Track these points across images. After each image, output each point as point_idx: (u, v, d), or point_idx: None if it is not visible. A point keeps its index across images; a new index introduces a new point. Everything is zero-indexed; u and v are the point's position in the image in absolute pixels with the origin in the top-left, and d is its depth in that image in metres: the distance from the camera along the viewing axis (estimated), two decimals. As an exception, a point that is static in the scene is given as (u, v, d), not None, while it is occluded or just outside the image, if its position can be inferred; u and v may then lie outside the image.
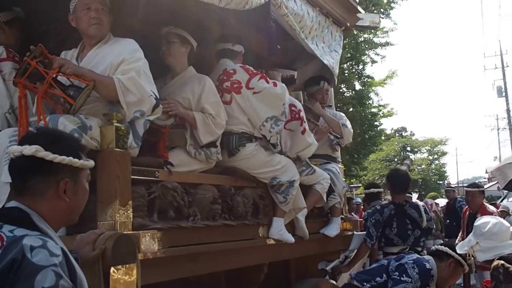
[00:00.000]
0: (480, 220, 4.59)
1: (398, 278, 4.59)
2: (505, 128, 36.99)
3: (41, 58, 3.14)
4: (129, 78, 3.26)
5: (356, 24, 6.13)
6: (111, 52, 3.43)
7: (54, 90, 3.13)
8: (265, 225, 4.48)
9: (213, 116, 3.97)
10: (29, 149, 1.97)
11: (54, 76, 3.12)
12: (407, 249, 5.65)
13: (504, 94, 35.36)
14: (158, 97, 3.44)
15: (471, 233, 4.57)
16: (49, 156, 1.98)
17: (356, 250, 5.97)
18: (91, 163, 2.18)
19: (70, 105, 3.09)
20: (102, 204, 3.00)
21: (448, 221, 12.07)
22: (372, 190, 8.31)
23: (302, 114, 4.86)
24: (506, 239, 4.23)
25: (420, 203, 6.19)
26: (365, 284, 4.77)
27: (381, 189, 8.70)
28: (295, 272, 5.57)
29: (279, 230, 4.51)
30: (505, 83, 35.88)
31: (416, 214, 5.77)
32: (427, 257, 4.91)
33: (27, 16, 4.26)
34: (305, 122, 4.85)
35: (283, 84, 4.68)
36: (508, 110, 34.47)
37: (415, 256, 4.93)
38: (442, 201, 15.56)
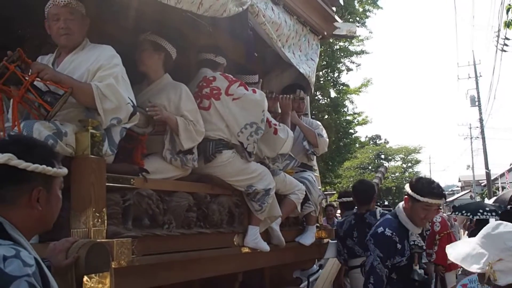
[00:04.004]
0: (500, 227, 2.69)
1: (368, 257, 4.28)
2: (478, 137, 37.48)
3: (18, 62, 3.10)
4: (107, 85, 3.23)
5: (333, 33, 6.15)
6: (88, 58, 3.40)
7: (30, 95, 3.10)
8: (240, 233, 4.48)
9: (193, 123, 3.97)
10: (1, 158, 1.94)
11: (31, 81, 3.08)
12: None
13: (477, 103, 35.81)
14: (135, 104, 3.42)
15: (486, 243, 2.68)
16: (22, 164, 1.95)
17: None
18: (64, 171, 2.14)
19: (47, 111, 3.06)
20: (76, 212, 2.98)
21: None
22: (343, 199, 8.26)
23: (267, 115, 4.78)
24: None
25: (379, 209, 6.13)
26: None
27: None
28: (270, 281, 5.56)
29: (254, 238, 4.51)
30: (478, 93, 36.40)
31: (375, 221, 5.34)
32: (390, 213, 4.48)
33: (3, 21, 4.20)
34: (272, 123, 4.83)
35: (262, 91, 4.68)
36: (481, 120, 34.87)
37: (374, 227, 4.43)
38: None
